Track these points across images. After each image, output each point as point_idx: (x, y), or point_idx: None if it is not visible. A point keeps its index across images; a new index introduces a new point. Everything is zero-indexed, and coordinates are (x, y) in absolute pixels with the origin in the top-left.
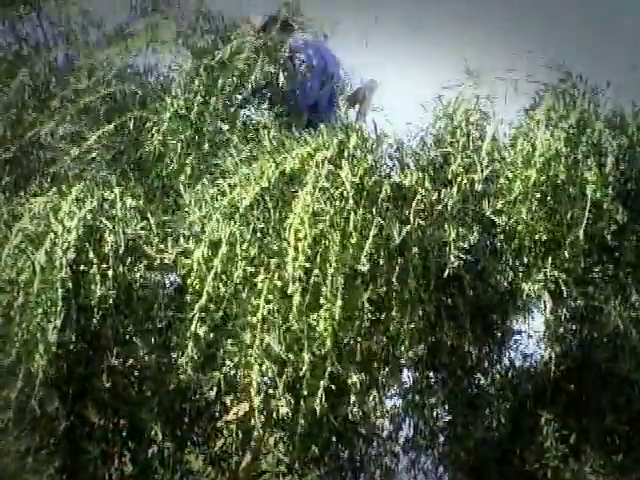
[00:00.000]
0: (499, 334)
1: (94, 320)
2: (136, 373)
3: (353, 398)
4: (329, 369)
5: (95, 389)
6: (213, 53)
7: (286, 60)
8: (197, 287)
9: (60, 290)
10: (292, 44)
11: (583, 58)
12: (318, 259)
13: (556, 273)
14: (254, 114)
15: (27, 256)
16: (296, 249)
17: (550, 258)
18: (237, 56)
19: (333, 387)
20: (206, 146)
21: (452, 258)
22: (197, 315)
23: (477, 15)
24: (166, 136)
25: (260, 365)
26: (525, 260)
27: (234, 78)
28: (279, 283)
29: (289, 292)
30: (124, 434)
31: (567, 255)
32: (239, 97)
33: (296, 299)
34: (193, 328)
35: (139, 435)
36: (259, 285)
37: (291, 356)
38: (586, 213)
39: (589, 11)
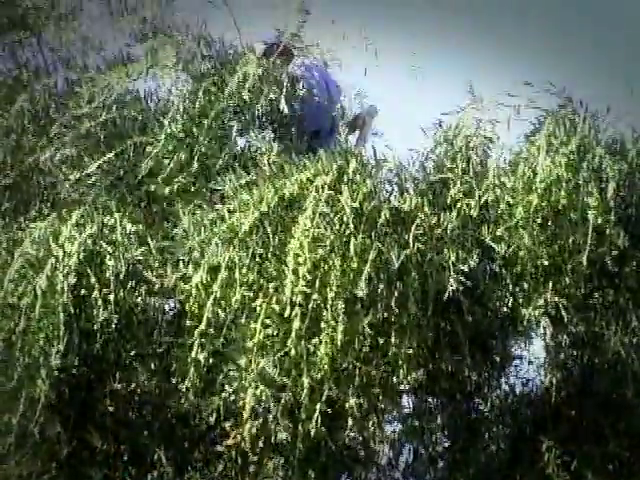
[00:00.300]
0: (499, 360)
1: (96, 345)
2: (137, 398)
3: (352, 423)
4: (327, 394)
5: (97, 413)
6: (213, 78)
7: (287, 86)
8: (196, 312)
9: (62, 315)
10: (293, 70)
11: (584, 82)
12: (318, 284)
13: (557, 299)
14: (254, 139)
15: (28, 281)
16: (295, 273)
17: (551, 283)
18: (241, 84)
19: (331, 412)
20: (195, 165)
21: (451, 281)
22: (197, 341)
23: (478, 40)
24: (161, 157)
25: (256, 389)
26: (525, 285)
27: (233, 102)
28: (277, 307)
29: (286, 315)
30: (125, 458)
31: (568, 281)
32: (239, 123)
33: (295, 324)
34: (194, 354)
35: (140, 460)
36: (257, 309)
37: (289, 381)
38: (589, 239)
39: (589, 35)
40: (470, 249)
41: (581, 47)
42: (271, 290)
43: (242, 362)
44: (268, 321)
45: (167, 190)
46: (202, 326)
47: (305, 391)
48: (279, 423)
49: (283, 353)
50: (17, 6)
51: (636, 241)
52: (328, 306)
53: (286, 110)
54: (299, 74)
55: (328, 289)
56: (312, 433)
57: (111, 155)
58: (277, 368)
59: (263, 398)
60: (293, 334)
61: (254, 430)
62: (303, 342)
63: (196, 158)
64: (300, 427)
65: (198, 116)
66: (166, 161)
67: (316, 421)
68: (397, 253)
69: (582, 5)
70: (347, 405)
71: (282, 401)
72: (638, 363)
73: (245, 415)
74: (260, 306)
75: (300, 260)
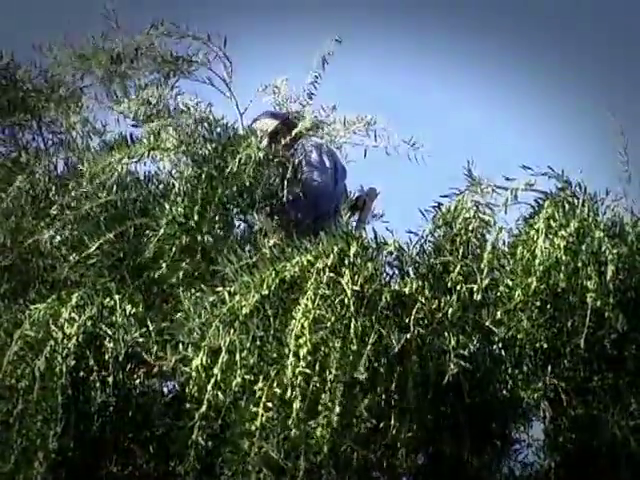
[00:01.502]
0: (498, 443)
1: (94, 427)
2: None
3: None
4: (326, 477)
5: None
6: (215, 161)
7: (291, 172)
8: (196, 395)
9: (60, 397)
10: (301, 153)
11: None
12: (317, 366)
13: (555, 382)
14: (255, 221)
15: (27, 363)
16: (296, 355)
17: (550, 366)
18: (242, 167)
19: None
20: (197, 250)
21: (452, 366)
22: (197, 424)
23: (477, 122)
24: (162, 241)
25: (259, 473)
26: (525, 368)
27: (235, 187)
28: (278, 391)
29: (287, 398)
30: None
31: (567, 364)
32: (239, 206)
33: (296, 405)
34: (194, 437)
35: None
36: (258, 393)
37: (289, 463)
38: (587, 322)
39: (589, 120)
40: (470, 333)
41: (581, 130)
42: (272, 373)
43: (245, 446)
44: (269, 404)
45: (168, 274)
46: (203, 408)
47: (301, 474)
48: None
49: (283, 436)
50: (18, 89)
51: (635, 324)
52: (327, 388)
53: (286, 196)
54: (307, 157)
55: (327, 372)
56: None
57: (111, 235)
58: (278, 451)
59: None
60: (294, 415)
61: None
62: (302, 425)
63: (198, 243)
64: None
65: (201, 200)
66: (167, 245)
67: None
68: (398, 336)
69: (580, 87)
70: None
71: None
72: (636, 446)
73: None
74: (261, 389)
75: (301, 342)
